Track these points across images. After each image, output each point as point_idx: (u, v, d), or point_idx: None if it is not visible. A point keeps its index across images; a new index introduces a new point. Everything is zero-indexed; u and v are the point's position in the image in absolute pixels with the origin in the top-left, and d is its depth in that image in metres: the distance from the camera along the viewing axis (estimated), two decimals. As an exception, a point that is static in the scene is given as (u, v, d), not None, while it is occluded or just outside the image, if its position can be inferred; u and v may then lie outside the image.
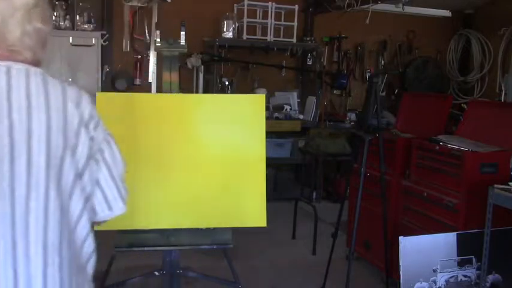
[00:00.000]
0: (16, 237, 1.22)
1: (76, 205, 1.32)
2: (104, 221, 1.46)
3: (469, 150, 3.17)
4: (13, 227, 1.22)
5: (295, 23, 6.15)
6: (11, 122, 1.23)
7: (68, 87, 1.33)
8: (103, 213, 1.42)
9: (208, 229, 2.59)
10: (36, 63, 1.36)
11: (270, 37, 6.07)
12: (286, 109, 6.25)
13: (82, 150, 1.32)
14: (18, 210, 1.23)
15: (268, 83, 6.47)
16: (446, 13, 6.94)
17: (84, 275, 1.36)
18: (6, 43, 1.30)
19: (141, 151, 2.51)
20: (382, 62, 7.11)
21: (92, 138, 1.34)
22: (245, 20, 5.94)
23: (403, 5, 5.67)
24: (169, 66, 2.66)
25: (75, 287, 1.30)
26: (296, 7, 6.16)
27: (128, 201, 1.45)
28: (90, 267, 1.38)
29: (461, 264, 2.95)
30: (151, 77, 3.86)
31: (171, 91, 2.66)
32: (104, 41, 5.55)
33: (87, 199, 1.35)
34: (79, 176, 1.32)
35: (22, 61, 1.32)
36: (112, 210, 1.42)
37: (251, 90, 6.25)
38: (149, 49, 4.77)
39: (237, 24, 6.02)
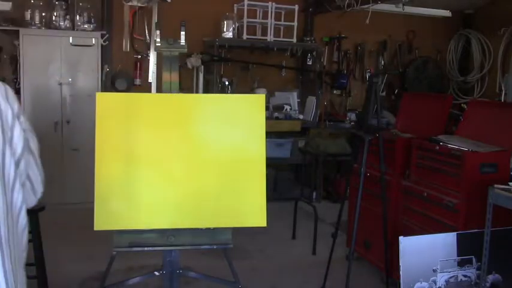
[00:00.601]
0: None
1: (17, 197, 1.31)
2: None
3: (469, 150, 3.17)
4: None
5: (295, 23, 6.15)
6: None
7: None
8: (30, 200, 1.41)
9: (208, 229, 2.59)
10: None
11: (270, 37, 6.07)
12: (286, 109, 6.25)
13: (18, 142, 1.30)
14: None
15: (268, 83, 6.47)
16: (446, 13, 6.94)
17: (24, 265, 1.35)
18: None
19: (141, 151, 2.51)
20: (382, 62, 7.11)
21: (24, 130, 1.33)
22: (245, 20, 5.94)
23: (403, 5, 5.68)
24: (169, 66, 2.66)
25: (22, 277, 1.31)
26: (296, 7, 6.16)
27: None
28: (25, 258, 1.37)
29: (461, 264, 2.95)
30: (151, 77, 3.87)
31: (171, 91, 2.65)
32: (104, 41, 5.55)
33: (22, 189, 1.33)
34: (16, 165, 1.30)
35: None
36: (36, 196, 1.43)
37: (251, 90, 6.25)
38: (149, 49, 4.78)
39: (237, 24, 6.03)
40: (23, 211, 1.33)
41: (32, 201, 1.42)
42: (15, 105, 1.31)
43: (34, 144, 1.39)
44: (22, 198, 1.32)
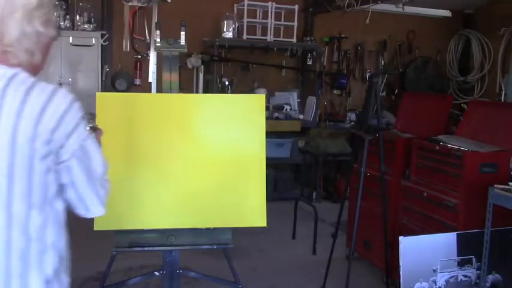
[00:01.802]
0: None
1: (38, 213, 1.29)
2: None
3: (469, 150, 3.17)
4: None
5: (295, 23, 6.15)
6: None
7: (34, 93, 1.25)
8: (80, 212, 1.42)
9: (208, 229, 2.59)
10: (32, 68, 1.32)
11: (270, 37, 6.07)
12: (286, 109, 6.25)
13: (39, 157, 1.27)
14: None
15: (268, 83, 6.47)
16: (446, 13, 6.94)
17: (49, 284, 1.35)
18: (2, 43, 1.25)
19: (141, 151, 2.51)
20: (382, 62, 7.11)
21: (61, 146, 1.30)
22: (245, 20, 5.94)
23: (403, 5, 5.67)
24: (169, 66, 2.66)
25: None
26: (296, 7, 6.16)
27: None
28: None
29: (461, 264, 2.95)
30: (151, 77, 3.86)
31: (171, 91, 2.65)
32: (104, 41, 5.55)
33: (48, 203, 1.32)
34: (41, 181, 1.28)
35: (15, 65, 1.27)
36: (89, 211, 1.42)
37: (251, 90, 6.25)
38: (149, 49, 4.78)
39: (237, 24, 6.03)
40: (50, 228, 1.31)
41: (83, 214, 1.43)
42: (52, 122, 1.26)
43: (88, 163, 1.36)
44: (47, 215, 1.31)
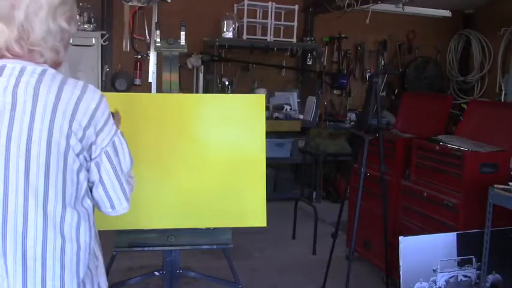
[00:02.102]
0: (6, 245, 1.21)
1: (72, 211, 1.29)
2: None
3: (469, 150, 3.17)
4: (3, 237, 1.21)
5: (295, 23, 6.15)
6: (10, 128, 1.19)
7: (68, 88, 1.25)
8: (105, 210, 1.41)
9: (208, 229, 2.59)
10: (56, 65, 1.31)
11: (270, 37, 6.07)
12: (286, 109, 6.25)
13: (74, 155, 1.26)
14: None
15: (268, 83, 6.47)
16: (446, 13, 6.94)
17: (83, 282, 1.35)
18: (28, 42, 1.24)
19: (141, 151, 2.51)
20: (382, 62, 7.11)
21: (92, 144, 1.30)
22: (245, 20, 5.94)
23: (403, 5, 5.67)
24: (169, 66, 2.66)
25: None
26: (296, 7, 6.15)
27: (112, 215, 1.47)
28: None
29: (461, 264, 2.95)
30: (151, 77, 3.86)
31: (171, 91, 2.65)
32: (104, 41, 5.55)
33: (81, 200, 1.33)
34: (73, 179, 1.27)
35: (42, 63, 1.26)
36: (115, 209, 1.41)
37: (251, 90, 6.25)
38: (149, 49, 4.77)
39: (237, 24, 6.02)
40: (83, 226, 1.31)
41: (108, 212, 1.42)
42: (86, 117, 1.26)
43: (116, 159, 1.37)
44: (80, 213, 1.30)
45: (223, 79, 6.16)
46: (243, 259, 4.01)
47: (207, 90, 5.99)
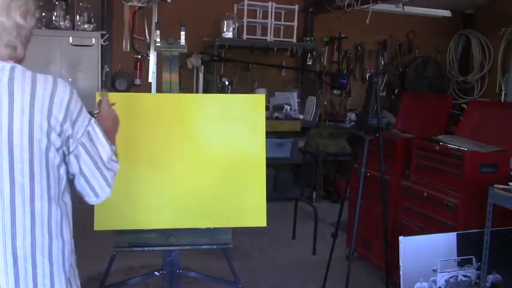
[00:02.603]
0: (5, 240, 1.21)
1: (57, 207, 1.29)
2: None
3: (469, 150, 3.17)
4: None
5: (295, 23, 6.15)
6: None
7: (39, 86, 1.23)
8: (89, 199, 1.41)
9: (208, 229, 2.59)
10: (17, 61, 1.28)
11: (270, 37, 6.07)
12: (286, 109, 6.25)
13: (55, 150, 1.26)
14: None
15: (268, 83, 6.47)
16: (446, 13, 6.94)
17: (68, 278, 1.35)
18: None
19: (140, 151, 2.51)
20: (382, 62, 7.11)
21: (69, 136, 1.29)
22: (245, 20, 5.94)
23: (403, 5, 5.67)
24: (169, 66, 2.66)
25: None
26: (296, 7, 6.15)
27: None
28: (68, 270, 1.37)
29: (461, 264, 2.95)
30: (151, 77, 3.85)
31: (171, 91, 2.65)
32: (104, 41, 5.55)
33: (63, 194, 1.33)
34: (55, 174, 1.28)
35: None
36: (99, 197, 1.41)
37: (251, 90, 6.25)
38: (149, 49, 4.77)
39: (237, 24, 6.02)
40: (65, 220, 1.32)
41: (92, 201, 1.42)
42: (61, 116, 1.26)
43: (93, 148, 1.36)
44: (64, 208, 1.32)
45: (223, 79, 6.16)
46: (243, 259, 4.01)
47: (207, 90, 5.99)
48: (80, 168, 1.33)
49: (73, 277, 1.35)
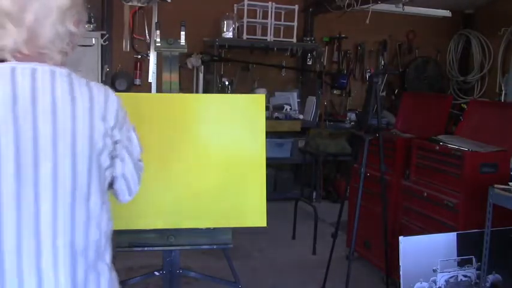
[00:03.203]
0: (41, 243, 1.24)
1: (103, 206, 1.36)
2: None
3: (469, 150, 3.17)
4: (37, 233, 1.24)
5: (295, 23, 6.15)
6: (35, 126, 1.22)
7: (95, 93, 1.31)
8: (123, 198, 1.51)
9: (208, 229, 2.59)
10: (64, 65, 1.33)
11: (270, 37, 6.07)
12: (286, 109, 6.25)
13: (107, 153, 1.34)
14: (44, 216, 1.24)
15: (268, 83, 6.47)
16: (446, 13, 6.94)
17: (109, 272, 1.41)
18: (37, 44, 1.26)
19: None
20: (382, 62, 7.11)
21: (117, 141, 1.37)
22: (245, 20, 5.94)
23: (403, 5, 5.67)
24: (169, 66, 2.66)
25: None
26: (296, 7, 6.15)
27: (128, 202, 1.52)
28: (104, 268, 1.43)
29: (461, 264, 2.95)
30: (151, 77, 3.86)
31: (171, 91, 2.65)
32: (104, 41, 5.55)
33: (106, 194, 1.41)
34: (103, 176, 1.35)
35: (51, 65, 1.28)
36: (132, 195, 1.52)
37: (251, 90, 6.25)
38: (149, 49, 4.77)
39: (237, 24, 6.02)
40: (106, 218, 1.38)
41: (126, 199, 1.52)
42: (112, 120, 1.33)
43: (133, 151, 1.45)
44: (107, 205, 1.38)
45: (223, 79, 6.16)
46: (243, 259, 4.01)
47: (207, 90, 5.99)
48: (123, 171, 1.43)
49: (112, 270, 1.44)
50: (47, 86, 1.24)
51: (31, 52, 1.26)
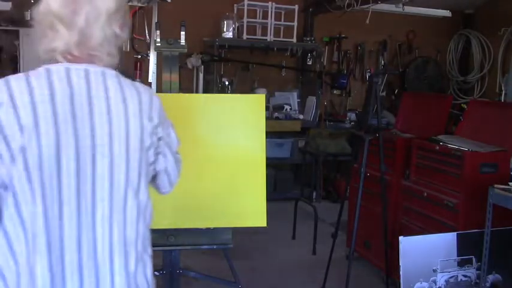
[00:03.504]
0: (97, 237, 1.30)
1: (148, 199, 1.43)
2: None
3: (469, 150, 3.17)
4: (93, 227, 1.29)
5: (295, 23, 6.15)
6: (92, 125, 1.28)
7: (142, 94, 1.38)
8: (165, 190, 1.61)
9: (208, 229, 2.59)
10: (110, 66, 1.38)
11: (270, 37, 6.07)
12: (286, 109, 6.25)
13: (152, 151, 1.41)
14: (100, 213, 1.29)
15: (268, 83, 6.47)
16: (446, 13, 6.94)
17: (147, 267, 1.46)
18: (87, 46, 1.30)
19: (141, 151, 2.51)
20: (382, 62, 7.11)
21: (160, 138, 1.44)
22: (245, 20, 5.94)
23: (403, 5, 5.67)
24: (169, 66, 2.66)
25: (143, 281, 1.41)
26: (296, 7, 6.15)
27: (169, 193, 1.68)
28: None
29: (461, 264, 2.95)
30: (151, 77, 3.85)
31: (171, 91, 2.65)
32: (104, 41, 5.55)
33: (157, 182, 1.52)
34: (149, 172, 1.42)
35: (101, 66, 1.34)
36: (172, 187, 1.63)
37: (251, 90, 6.25)
38: (149, 49, 4.77)
39: (237, 24, 6.02)
40: (150, 208, 1.45)
41: (168, 191, 1.63)
42: (156, 118, 1.40)
43: (173, 146, 1.55)
44: (149, 197, 1.44)
45: (223, 79, 6.16)
46: (243, 259, 4.01)
47: (207, 90, 5.99)
48: (166, 165, 1.51)
49: (151, 258, 1.49)
50: (100, 87, 1.30)
51: (81, 54, 1.30)
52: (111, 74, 1.33)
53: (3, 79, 1.25)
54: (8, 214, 1.24)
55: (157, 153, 1.45)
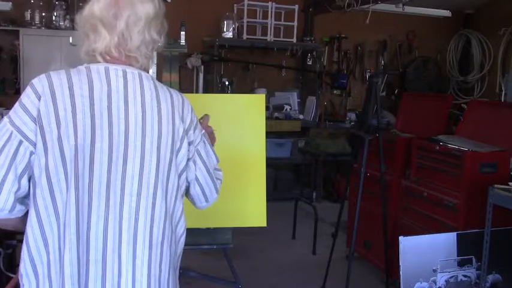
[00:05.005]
0: (122, 234, 1.31)
1: (178, 206, 1.42)
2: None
3: (469, 150, 3.17)
4: (120, 225, 1.31)
5: (295, 23, 6.15)
6: (126, 123, 1.31)
7: (174, 96, 1.41)
8: (200, 205, 1.55)
9: (208, 229, 2.59)
10: (146, 69, 1.43)
11: (270, 37, 6.07)
12: (286, 109, 6.25)
13: (183, 153, 1.41)
14: (127, 208, 1.31)
15: (268, 83, 6.47)
16: (446, 13, 6.94)
17: (175, 270, 1.47)
18: (125, 48, 1.35)
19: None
20: (382, 62, 7.11)
21: (190, 143, 1.44)
22: (245, 20, 5.94)
23: (403, 5, 5.67)
24: (169, 66, 2.66)
25: (173, 282, 1.43)
26: (296, 7, 6.16)
27: (206, 208, 1.59)
28: (178, 263, 1.50)
29: (461, 264, 2.95)
30: (151, 77, 3.87)
31: (171, 91, 2.65)
32: (104, 41, 5.55)
33: (182, 197, 1.46)
34: (179, 177, 1.42)
35: (137, 68, 1.38)
36: (208, 201, 1.56)
37: (251, 90, 6.25)
38: (149, 49, 4.76)
39: (237, 24, 6.03)
40: (182, 220, 1.45)
41: (204, 206, 1.57)
42: (188, 121, 1.42)
43: (207, 155, 1.51)
44: (182, 208, 1.44)
45: (223, 79, 6.16)
46: (243, 259, 4.01)
47: (207, 90, 5.99)
48: (196, 175, 1.48)
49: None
50: (137, 87, 1.35)
51: (120, 55, 1.35)
52: (147, 76, 1.38)
53: (45, 73, 1.31)
54: (42, 204, 1.27)
55: (187, 159, 1.45)
